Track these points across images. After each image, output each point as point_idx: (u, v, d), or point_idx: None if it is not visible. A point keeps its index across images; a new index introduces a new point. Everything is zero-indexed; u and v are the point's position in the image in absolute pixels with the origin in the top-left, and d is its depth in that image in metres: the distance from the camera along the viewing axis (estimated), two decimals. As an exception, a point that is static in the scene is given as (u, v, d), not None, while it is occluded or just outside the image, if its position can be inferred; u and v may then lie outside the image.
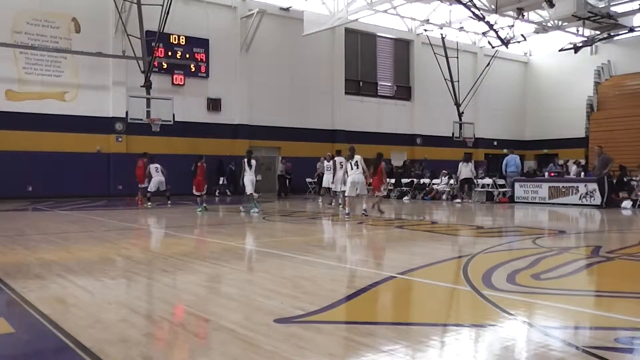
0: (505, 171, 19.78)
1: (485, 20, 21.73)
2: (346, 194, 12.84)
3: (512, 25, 24.29)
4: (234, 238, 10.12)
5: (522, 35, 24.62)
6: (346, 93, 28.73)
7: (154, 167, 16.82)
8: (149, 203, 16.82)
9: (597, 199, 15.97)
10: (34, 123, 20.56)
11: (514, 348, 3.34)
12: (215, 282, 5.56)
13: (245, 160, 14.10)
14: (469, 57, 32.35)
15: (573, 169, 21.73)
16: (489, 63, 27.77)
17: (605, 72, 31.22)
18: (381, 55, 30.59)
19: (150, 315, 4.15)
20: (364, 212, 12.60)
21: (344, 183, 13.59)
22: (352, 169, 12.29)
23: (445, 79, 27.17)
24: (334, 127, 28.15)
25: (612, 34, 25.19)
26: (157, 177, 16.72)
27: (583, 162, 20.73)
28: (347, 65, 28.77)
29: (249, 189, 14.07)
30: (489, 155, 33.40)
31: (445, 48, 27.21)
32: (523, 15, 22.91)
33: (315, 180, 23.77)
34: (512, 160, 19.71)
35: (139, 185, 17.63)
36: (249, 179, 14.01)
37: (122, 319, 3.88)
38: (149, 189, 16.83)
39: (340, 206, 15.06)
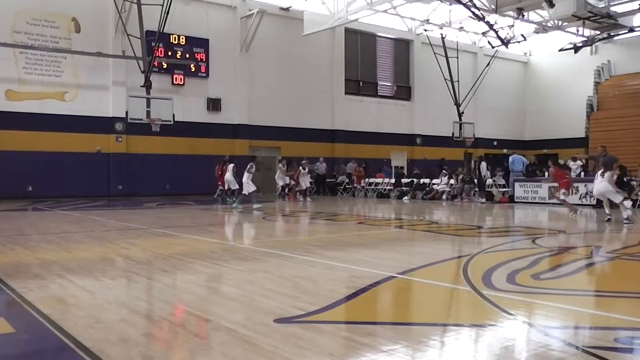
0: (511, 169, 19.97)
1: (485, 20, 21.72)
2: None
3: (512, 25, 24.29)
4: (234, 238, 10.13)
5: (522, 35, 24.62)
6: (346, 93, 28.72)
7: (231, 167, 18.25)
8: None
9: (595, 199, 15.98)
10: (34, 123, 20.56)
11: (514, 348, 3.34)
12: (215, 282, 5.56)
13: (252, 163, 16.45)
14: (469, 57, 32.35)
15: (576, 163, 21.42)
16: (489, 63, 27.77)
17: (605, 72, 31.19)
18: (381, 55, 30.59)
19: (150, 315, 4.15)
20: (625, 220, 11.38)
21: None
22: (596, 178, 12.14)
23: (445, 79, 27.18)
24: (334, 127, 28.15)
25: (612, 34, 25.18)
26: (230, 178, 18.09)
27: (584, 160, 20.61)
28: (347, 65, 28.77)
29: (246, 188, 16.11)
30: (489, 155, 33.40)
31: (445, 48, 27.21)
32: (523, 15, 22.89)
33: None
34: (518, 159, 20.14)
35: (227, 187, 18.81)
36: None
37: (122, 319, 3.88)
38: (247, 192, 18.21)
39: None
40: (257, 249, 7.76)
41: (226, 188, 18.48)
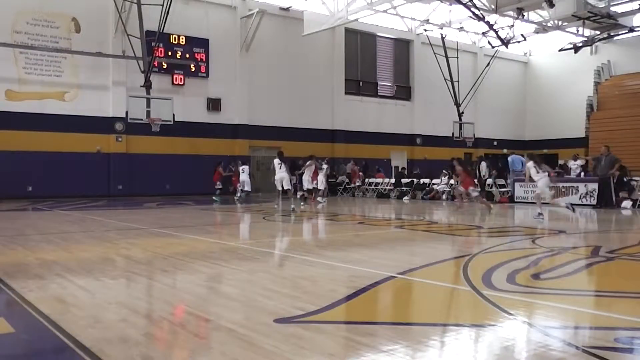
0: (511, 170, 19.98)
1: (485, 20, 21.73)
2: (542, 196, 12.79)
3: (512, 25, 24.30)
4: (234, 238, 10.12)
5: (522, 35, 24.63)
6: (346, 93, 28.74)
7: (242, 169, 19.10)
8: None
9: (596, 199, 16.03)
10: (34, 123, 20.57)
11: (514, 348, 3.34)
12: (215, 282, 5.56)
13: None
14: (469, 57, 32.36)
15: (576, 162, 21.35)
16: (489, 63, 27.78)
17: (605, 72, 31.21)
18: (381, 55, 30.60)
19: (150, 315, 4.15)
20: (537, 215, 12.21)
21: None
22: (537, 172, 12.37)
23: (445, 79, 27.19)
24: (334, 127, 28.16)
25: (612, 34, 25.21)
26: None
27: (583, 161, 20.60)
28: (347, 65, 28.78)
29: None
30: (489, 155, 33.38)
31: (445, 48, 27.22)
32: (523, 15, 22.91)
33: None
34: (517, 159, 20.13)
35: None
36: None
37: (122, 319, 3.88)
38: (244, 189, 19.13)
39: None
40: (257, 249, 7.76)
41: (240, 188, 19.09)
